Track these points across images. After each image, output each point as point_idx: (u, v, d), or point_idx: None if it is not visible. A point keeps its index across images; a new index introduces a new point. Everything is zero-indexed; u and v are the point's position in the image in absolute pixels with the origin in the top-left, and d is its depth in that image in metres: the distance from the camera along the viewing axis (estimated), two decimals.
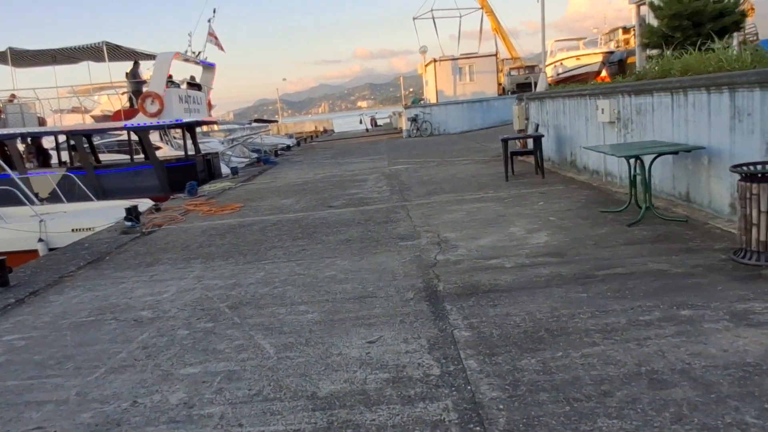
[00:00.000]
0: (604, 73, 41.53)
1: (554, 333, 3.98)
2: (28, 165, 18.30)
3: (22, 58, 18.21)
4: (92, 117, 21.19)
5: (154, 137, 24.66)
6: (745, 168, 5.03)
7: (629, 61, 40.09)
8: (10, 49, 16.56)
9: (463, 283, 5.31)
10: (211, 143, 27.89)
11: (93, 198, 14.73)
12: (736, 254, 5.17)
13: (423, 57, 35.29)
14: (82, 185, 14.69)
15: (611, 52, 43.45)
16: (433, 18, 37.26)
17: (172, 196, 13.98)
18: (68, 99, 21.09)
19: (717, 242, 5.78)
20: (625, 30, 46.82)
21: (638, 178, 7.32)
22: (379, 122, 49.65)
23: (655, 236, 6.24)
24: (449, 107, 29.88)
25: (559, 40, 45.56)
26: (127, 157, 22.29)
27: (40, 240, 12.00)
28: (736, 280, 4.67)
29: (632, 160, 7.21)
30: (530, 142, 12.28)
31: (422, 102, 33.27)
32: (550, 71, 44.01)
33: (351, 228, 8.32)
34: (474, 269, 5.71)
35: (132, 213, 10.38)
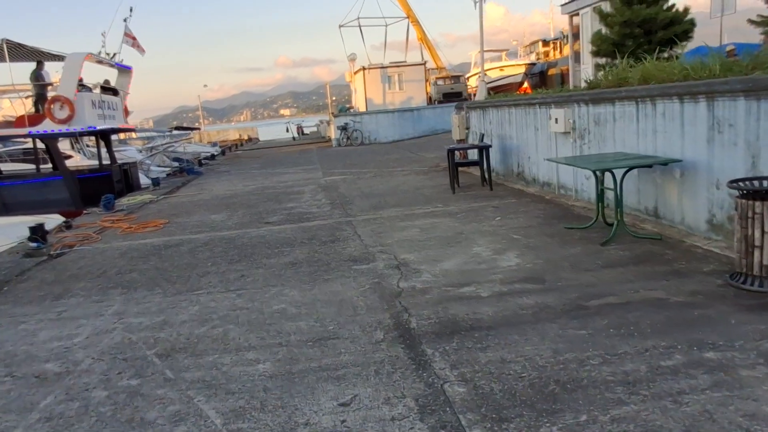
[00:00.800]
0: (525, 85, 42.33)
1: (567, 387, 3.31)
2: None
3: None
4: None
5: (64, 145, 22.70)
6: (746, 184, 4.58)
7: (550, 72, 41.05)
8: None
9: (439, 318, 4.59)
10: (128, 152, 26.03)
11: None
12: (734, 278, 4.71)
13: (352, 65, 34.64)
14: None
15: (533, 64, 44.38)
16: (360, 26, 36.75)
17: (85, 211, 12.58)
18: None
19: (703, 264, 5.33)
20: (545, 43, 48.06)
21: (605, 192, 6.88)
22: (306, 131, 48.52)
23: (634, 257, 5.75)
24: (380, 116, 29.31)
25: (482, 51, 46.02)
26: (33, 167, 20.38)
27: None
28: (746, 310, 4.18)
29: (599, 173, 6.75)
30: (472, 153, 11.82)
31: (351, 110, 32.54)
32: (474, 81, 44.43)
33: (294, 248, 7.46)
34: (446, 299, 5.00)
35: (37, 232, 9.06)
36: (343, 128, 28.39)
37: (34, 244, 8.96)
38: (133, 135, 40.60)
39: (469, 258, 6.29)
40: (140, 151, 26.87)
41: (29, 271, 7.62)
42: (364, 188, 12.51)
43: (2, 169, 19.87)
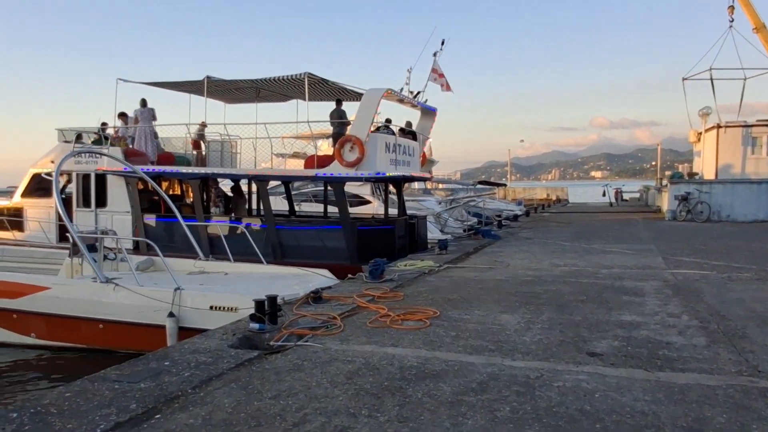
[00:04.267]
0: None
1: None
2: (213, 210, 16.14)
3: (224, 91, 16.24)
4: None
5: (364, 190, 21.78)
6: None
7: None
8: (209, 78, 14.50)
9: None
10: (428, 203, 24.36)
11: (262, 260, 11.56)
12: None
13: (703, 120, 28.23)
14: (252, 241, 11.61)
15: None
16: (711, 78, 30.14)
17: (349, 276, 10.16)
18: (287, 142, 18.78)
19: None
20: None
21: None
22: (626, 196, 42.38)
23: None
24: (737, 187, 22.68)
25: None
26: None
27: (171, 315, 8.89)
28: None
29: None
30: None
31: (697, 176, 26.15)
32: None
33: None
34: None
35: (262, 309, 6.58)
36: (683, 198, 22.58)
37: (255, 326, 6.51)
38: (440, 186, 39.87)
39: None
40: (440, 203, 25.07)
41: (218, 379, 4.96)
42: (752, 303, 7.64)
43: (302, 210, 19.45)
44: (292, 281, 10.26)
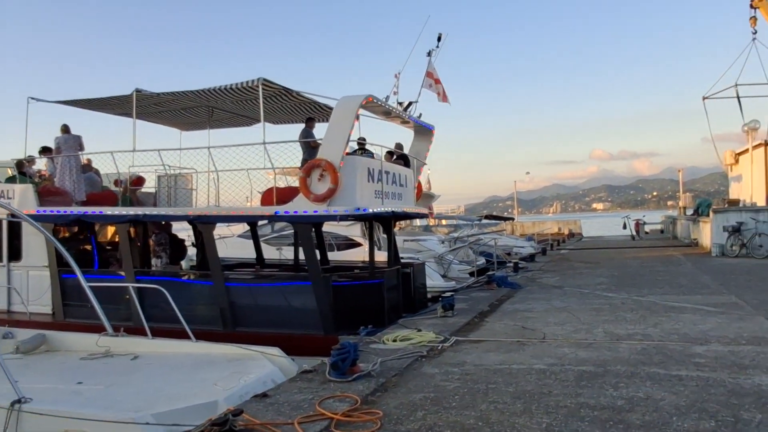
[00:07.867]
0: None
1: None
2: (154, 262, 12.63)
3: (171, 113, 12.84)
4: None
5: (354, 230, 18.25)
6: None
7: None
8: (138, 92, 11.05)
9: None
10: (429, 243, 20.61)
11: (190, 334, 7.99)
12: None
13: (750, 136, 24.69)
14: (174, 306, 8.01)
15: None
16: (738, 96, 26.93)
17: (304, 367, 6.61)
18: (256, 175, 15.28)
19: None
20: None
21: None
22: (647, 228, 38.60)
23: None
24: None
25: None
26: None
27: None
28: None
29: None
30: None
31: (753, 205, 22.40)
32: None
33: None
34: None
35: None
36: (735, 230, 19.04)
37: None
38: (444, 222, 36.15)
39: None
40: (442, 242, 21.46)
41: None
42: None
43: (283, 258, 16.01)
44: (219, 374, 6.76)
